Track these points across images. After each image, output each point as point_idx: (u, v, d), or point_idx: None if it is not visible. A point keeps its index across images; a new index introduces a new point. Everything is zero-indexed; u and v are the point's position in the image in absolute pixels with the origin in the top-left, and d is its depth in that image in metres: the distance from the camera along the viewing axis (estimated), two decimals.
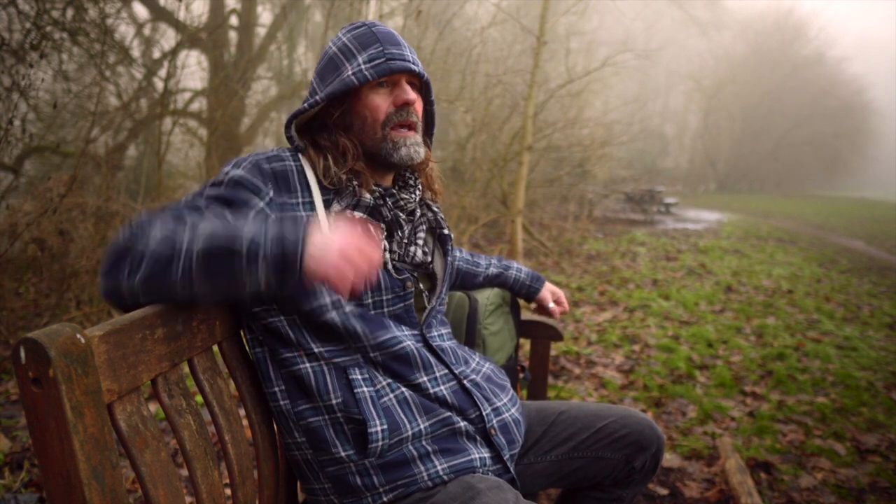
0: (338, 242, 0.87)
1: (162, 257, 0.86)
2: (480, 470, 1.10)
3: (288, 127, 1.14)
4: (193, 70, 7.34)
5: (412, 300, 1.15)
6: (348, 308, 1.06)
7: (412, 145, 1.14)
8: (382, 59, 1.10)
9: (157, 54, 7.91)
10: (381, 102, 1.13)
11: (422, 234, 1.20)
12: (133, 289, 0.88)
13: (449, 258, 1.26)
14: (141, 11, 7.79)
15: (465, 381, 1.15)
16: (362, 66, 1.10)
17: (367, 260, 0.89)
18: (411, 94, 1.13)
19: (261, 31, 8.33)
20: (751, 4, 36.20)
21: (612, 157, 11.24)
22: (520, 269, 1.61)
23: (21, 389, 0.66)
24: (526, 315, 1.73)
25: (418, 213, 1.20)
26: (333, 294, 1.06)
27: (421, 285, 1.20)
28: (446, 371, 1.14)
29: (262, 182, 1.05)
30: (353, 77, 1.09)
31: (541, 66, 5.86)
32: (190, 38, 5.85)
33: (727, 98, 33.27)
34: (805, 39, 35.57)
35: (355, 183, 1.11)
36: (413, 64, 1.13)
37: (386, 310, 1.11)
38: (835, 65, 36.15)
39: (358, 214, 1.10)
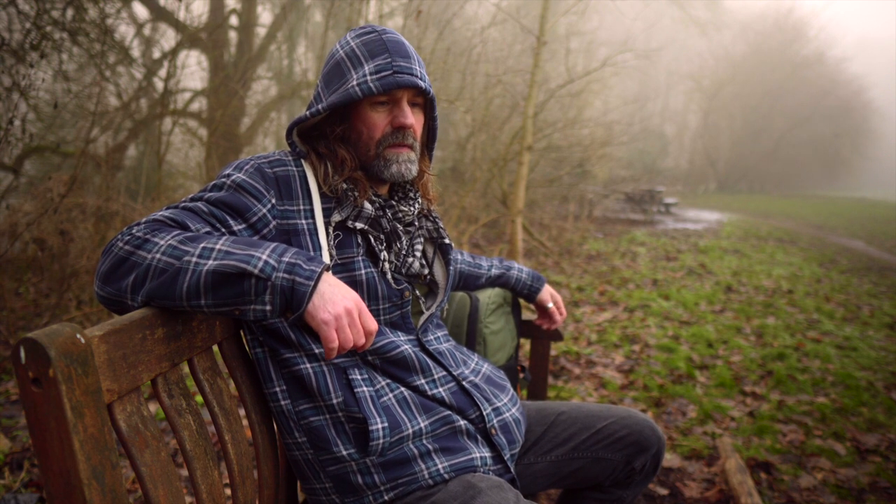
0: (346, 298, 0.87)
1: (169, 270, 0.84)
2: (481, 469, 1.10)
3: (289, 133, 1.13)
4: (193, 70, 7.34)
5: (409, 308, 1.15)
6: None
7: (404, 162, 1.12)
8: (389, 72, 1.06)
9: (157, 54, 7.91)
10: (379, 121, 1.11)
11: (419, 246, 1.20)
12: (137, 299, 0.87)
13: (451, 267, 1.26)
14: (141, 11, 7.80)
15: (464, 383, 1.15)
16: (368, 78, 1.06)
17: (361, 329, 0.89)
18: (409, 118, 1.10)
19: (261, 31, 8.33)
20: (751, 4, 36.21)
21: (612, 157, 11.22)
22: (521, 269, 1.61)
23: (21, 389, 0.66)
24: (527, 315, 1.73)
25: (416, 224, 1.20)
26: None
27: (417, 292, 1.21)
28: (445, 373, 1.15)
29: (265, 187, 1.04)
30: (357, 88, 1.06)
31: (541, 66, 5.86)
32: (190, 38, 5.85)
33: (727, 98, 33.27)
34: (805, 39, 35.55)
35: (355, 193, 1.10)
36: (420, 79, 1.09)
37: (382, 318, 1.12)
38: (835, 65, 36.13)
39: (359, 225, 1.10)
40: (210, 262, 0.84)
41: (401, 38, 1.12)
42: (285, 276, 0.83)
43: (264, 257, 0.84)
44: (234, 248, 0.85)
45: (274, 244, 0.88)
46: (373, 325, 0.90)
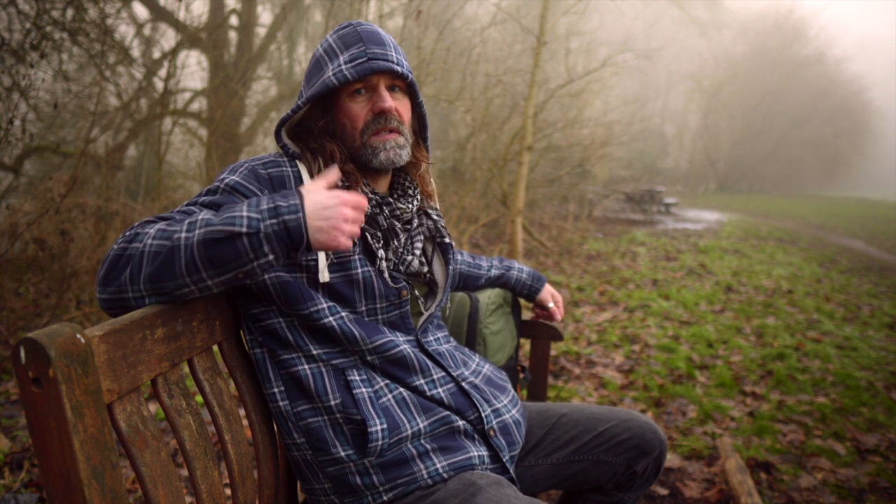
0: (335, 208, 0.89)
1: (162, 252, 0.86)
2: (479, 468, 1.10)
3: (278, 134, 1.13)
4: (193, 70, 7.34)
5: (407, 307, 1.15)
6: (345, 313, 1.06)
7: (392, 148, 1.11)
8: (364, 59, 1.07)
9: (157, 54, 7.91)
10: (359, 111, 1.11)
11: (419, 244, 1.19)
12: (139, 290, 0.87)
13: (451, 266, 1.25)
14: (141, 11, 7.80)
15: (463, 384, 1.15)
16: (343, 66, 1.07)
17: (360, 212, 0.93)
18: (388, 102, 1.09)
19: (261, 31, 8.32)
20: (751, 4, 36.17)
21: (612, 157, 11.23)
22: (521, 269, 1.61)
23: (21, 389, 0.66)
24: (526, 315, 1.73)
25: (416, 222, 1.19)
26: (329, 301, 1.06)
27: (417, 292, 1.20)
28: (444, 374, 1.14)
29: (259, 188, 1.04)
30: (333, 77, 1.06)
31: (541, 66, 5.86)
32: (190, 38, 5.84)
33: (727, 98, 33.25)
34: (805, 39, 35.52)
35: (352, 190, 1.10)
36: (396, 64, 1.09)
37: (380, 317, 1.11)
38: (835, 65, 36.11)
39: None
40: (196, 231, 0.85)
41: (377, 28, 1.12)
42: (272, 221, 0.85)
43: (245, 213, 0.86)
44: (215, 216, 0.88)
45: (248, 200, 0.90)
46: (363, 203, 0.94)
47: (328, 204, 0.89)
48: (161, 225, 0.90)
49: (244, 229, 0.84)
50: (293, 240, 0.86)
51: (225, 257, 0.85)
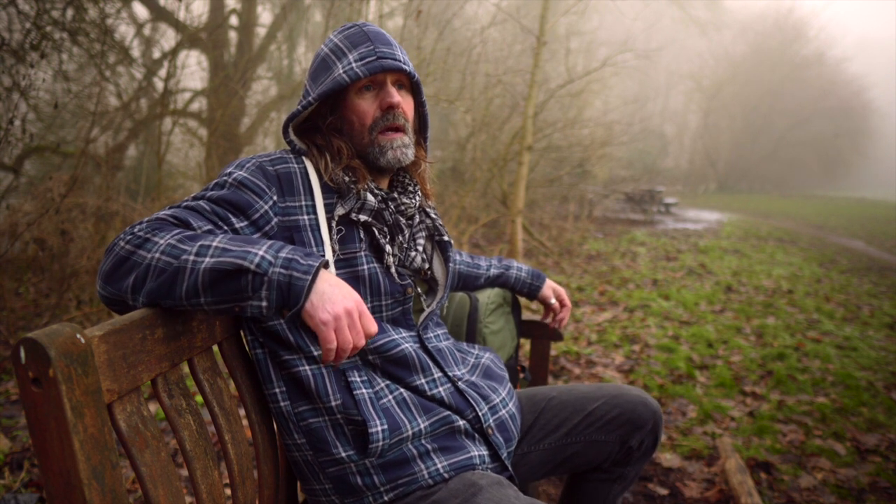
0: (346, 298, 0.85)
1: (168, 270, 0.84)
2: (479, 467, 1.10)
3: (286, 130, 1.14)
4: (193, 70, 7.34)
5: (410, 304, 1.15)
6: None
7: (399, 147, 1.13)
8: (374, 58, 1.09)
9: (157, 54, 7.91)
10: (367, 107, 1.13)
11: (421, 240, 1.20)
12: (138, 299, 0.87)
13: (450, 264, 1.26)
14: (141, 11, 7.80)
15: (459, 384, 1.15)
16: (353, 64, 1.09)
17: (361, 330, 0.87)
18: (396, 97, 1.12)
19: (261, 31, 8.32)
20: (751, 4, 36.17)
21: (612, 157, 11.24)
22: (520, 267, 1.60)
23: (21, 389, 0.66)
24: (527, 315, 1.73)
25: (417, 218, 1.20)
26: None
27: (419, 289, 1.20)
28: (441, 373, 1.15)
29: (267, 185, 1.05)
30: (344, 75, 1.08)
31: (541, 66, 5.86)
32: (190, 38, 5.84)
33: (727, 98, 33.26)
34: (805, 39, 35.55)
35: (358, 186, 1.11)
36: (404, 63, 1.12)
37: (384, 314, 1.12)
38: (835, 65, 36.13)
39: (363, 217, 1.10)
40: (207, 259, 0.83)
41: (381, 29, 1.15)
42: (282, 270, 0.83)
43: (261, 253, 0.83)
44: (232, 245, 0.85)
45: (272, 241, 0.87)
46: (373, 326, 0.89)
47: (347, 304, 0.85)
48: (171, 238, 0.87)
49: (252, 266, 0.82)
50: (290, 297, 0.83)
51: (226, 289, 0.83)
